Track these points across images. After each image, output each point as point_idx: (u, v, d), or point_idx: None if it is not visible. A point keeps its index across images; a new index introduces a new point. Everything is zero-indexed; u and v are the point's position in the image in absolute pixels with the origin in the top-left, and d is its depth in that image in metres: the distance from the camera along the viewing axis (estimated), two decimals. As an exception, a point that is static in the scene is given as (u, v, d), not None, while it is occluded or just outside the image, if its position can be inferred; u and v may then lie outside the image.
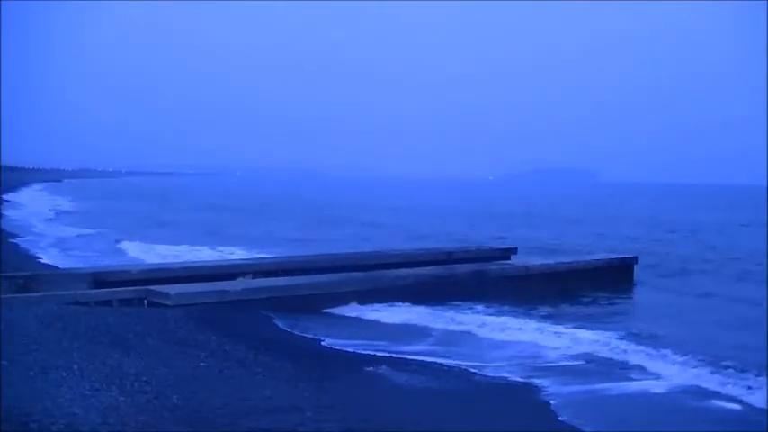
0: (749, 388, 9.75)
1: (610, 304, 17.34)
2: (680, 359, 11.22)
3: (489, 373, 10.71)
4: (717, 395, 9.70)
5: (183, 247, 26.76)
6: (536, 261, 20.10)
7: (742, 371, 10.36)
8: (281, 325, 13.41)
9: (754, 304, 17.25)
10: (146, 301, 13.73)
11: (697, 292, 19.48)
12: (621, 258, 21.50)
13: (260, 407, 7.92)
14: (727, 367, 10.61)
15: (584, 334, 13.10)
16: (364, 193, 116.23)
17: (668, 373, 10.76)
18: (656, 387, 10.12)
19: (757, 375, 10.11)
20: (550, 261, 20.24)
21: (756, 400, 9.38)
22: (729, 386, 9.89)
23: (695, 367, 10.80)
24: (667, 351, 11.73)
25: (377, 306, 15.22)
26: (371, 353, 11.62)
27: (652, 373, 10.80)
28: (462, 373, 10.62)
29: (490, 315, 14.95)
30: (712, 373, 10.48)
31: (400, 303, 15.45)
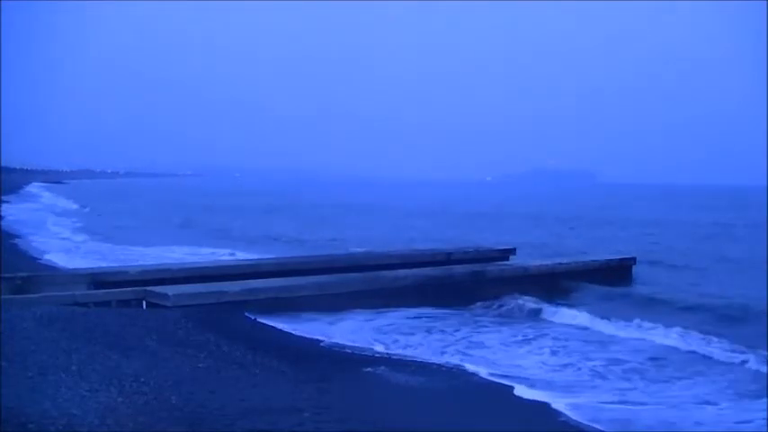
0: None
1: (608, 306, 17.29)
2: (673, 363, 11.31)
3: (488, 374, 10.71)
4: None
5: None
6: (535, 262, 20.11)
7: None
8: (279, 326, 13.41)
9: (755, 307, 17.18)
10: (144, 302, 13.73)
11: (697, 294, 19.45)
12: (620, 259, 21.51)
13: (259, 408, 7.92)
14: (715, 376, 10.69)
15: (582, 335, 13.16)
16: (364, 194, 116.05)
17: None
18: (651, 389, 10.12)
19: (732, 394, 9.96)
20: (549, 262, 20.24)
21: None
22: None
23: (685, 373, 10.84)
24: (663, 354, 11.83)
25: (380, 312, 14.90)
26: (370, 354, 11.63)
27: (649, 375, 10.82)
28: (461, 374, 10.62)
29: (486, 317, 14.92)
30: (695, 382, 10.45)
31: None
